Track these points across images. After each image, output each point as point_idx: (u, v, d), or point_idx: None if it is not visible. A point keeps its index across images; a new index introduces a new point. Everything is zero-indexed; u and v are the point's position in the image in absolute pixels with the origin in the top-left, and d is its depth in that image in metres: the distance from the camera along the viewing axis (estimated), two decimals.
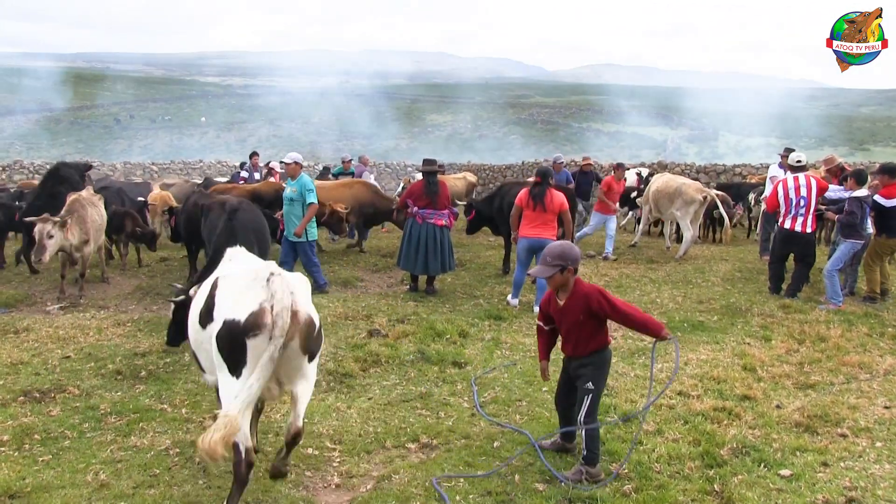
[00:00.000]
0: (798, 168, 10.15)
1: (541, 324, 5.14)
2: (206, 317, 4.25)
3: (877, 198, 9.58)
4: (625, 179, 15.64)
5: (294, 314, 4.03)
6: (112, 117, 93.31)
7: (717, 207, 14.21)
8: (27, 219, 9.87)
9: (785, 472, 4.79)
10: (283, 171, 19.34)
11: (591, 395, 4.74)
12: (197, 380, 6.65)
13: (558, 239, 9.24)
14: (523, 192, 9.57)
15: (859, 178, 9.75)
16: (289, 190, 10.33)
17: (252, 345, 3.93)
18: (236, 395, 3.89)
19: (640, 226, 15.56)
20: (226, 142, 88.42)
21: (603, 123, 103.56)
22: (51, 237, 9.43)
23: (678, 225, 14.35)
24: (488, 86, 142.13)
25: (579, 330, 4.78)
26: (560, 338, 5.03)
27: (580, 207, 14.88)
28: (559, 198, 9.39)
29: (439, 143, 73.96)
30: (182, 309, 5.64)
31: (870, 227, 9.94)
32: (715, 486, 4.61)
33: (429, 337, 8.03)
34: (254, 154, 18.88)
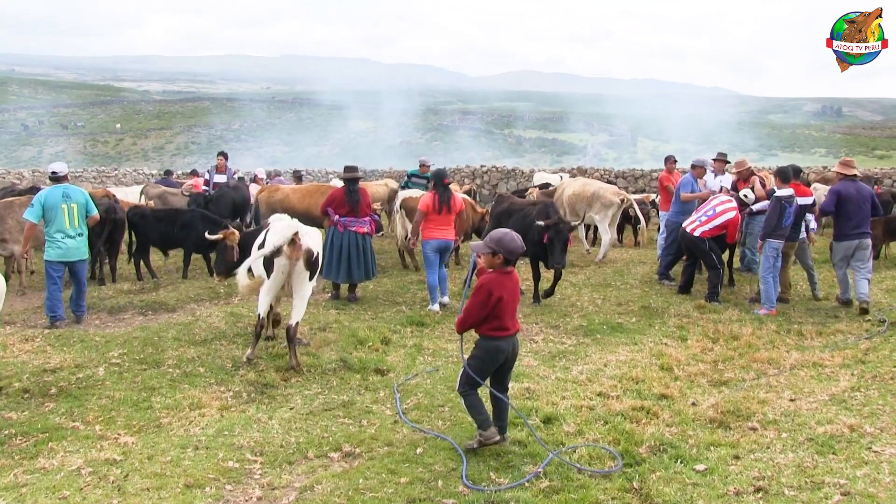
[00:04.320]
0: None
1: None
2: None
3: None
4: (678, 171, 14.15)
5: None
6: (19, 122, 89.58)
7: (633, 207, 14.54)
8: None
9: (700, 466, 4.92)
10: (267, 180, 18.40)
11: (464, 368, 5.20)
12: (111, 395, 6.43)
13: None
14: (429, 198, 9.84)
15: (784, 176, 9.54)
16: None
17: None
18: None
19: None
20: (143, 149, 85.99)
21: (524, 129, 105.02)
22: None
23: (595, 228, 14.64)
24: (411, 92, 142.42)
25: None
26: None
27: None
28: (460, 200, 10.27)
29: (362, 150, 73.61)
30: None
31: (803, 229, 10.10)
32: (634, 483, 4.70)
33: (351, 345, 7.97)
34: (220, 154, 16.43)
